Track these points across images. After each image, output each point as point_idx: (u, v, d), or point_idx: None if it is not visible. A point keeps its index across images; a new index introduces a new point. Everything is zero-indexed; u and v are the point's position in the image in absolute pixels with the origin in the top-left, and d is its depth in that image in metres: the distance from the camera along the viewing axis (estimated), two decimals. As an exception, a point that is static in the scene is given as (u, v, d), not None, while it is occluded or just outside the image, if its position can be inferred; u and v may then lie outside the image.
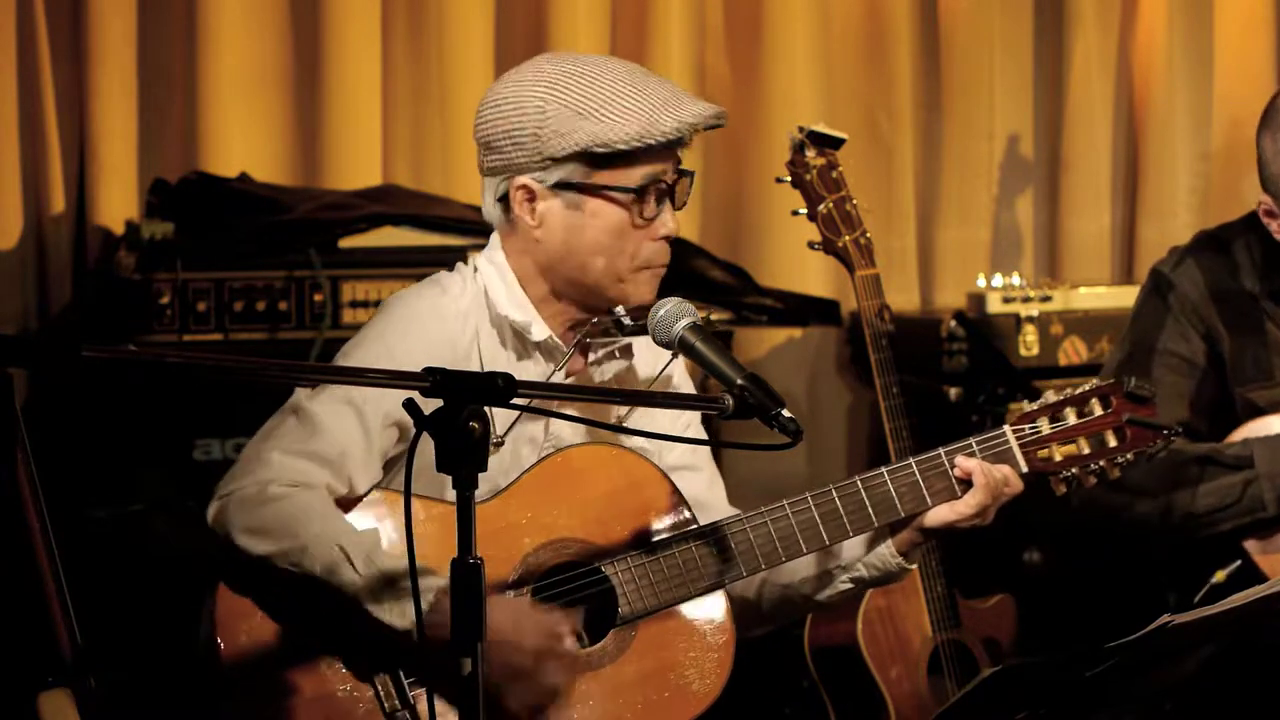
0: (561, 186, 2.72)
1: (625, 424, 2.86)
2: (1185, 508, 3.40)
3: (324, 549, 2.56)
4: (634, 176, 2.71)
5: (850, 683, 3.88)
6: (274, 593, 2.62)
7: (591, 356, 2.85)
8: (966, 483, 2.77)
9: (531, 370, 2.78)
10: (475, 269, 2.82)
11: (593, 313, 2.79)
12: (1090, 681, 2.53)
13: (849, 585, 2.87)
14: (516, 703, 2.58)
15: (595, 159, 2.69)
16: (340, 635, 2.60)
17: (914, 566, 2.86)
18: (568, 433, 2.81)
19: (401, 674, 2.61)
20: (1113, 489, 3.12)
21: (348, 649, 2.61)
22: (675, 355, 2.72)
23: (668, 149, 2.72)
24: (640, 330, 2.73)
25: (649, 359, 2.88)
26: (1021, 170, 5.33)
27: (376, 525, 2.67)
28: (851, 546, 2.85)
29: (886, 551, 2.82)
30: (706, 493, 2.92)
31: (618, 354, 2.87)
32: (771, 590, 2.90)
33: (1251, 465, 3.37)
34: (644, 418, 2.87)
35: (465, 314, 2.78)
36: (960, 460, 2.78)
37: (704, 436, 2.95)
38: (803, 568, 2.87)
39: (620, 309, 2.75)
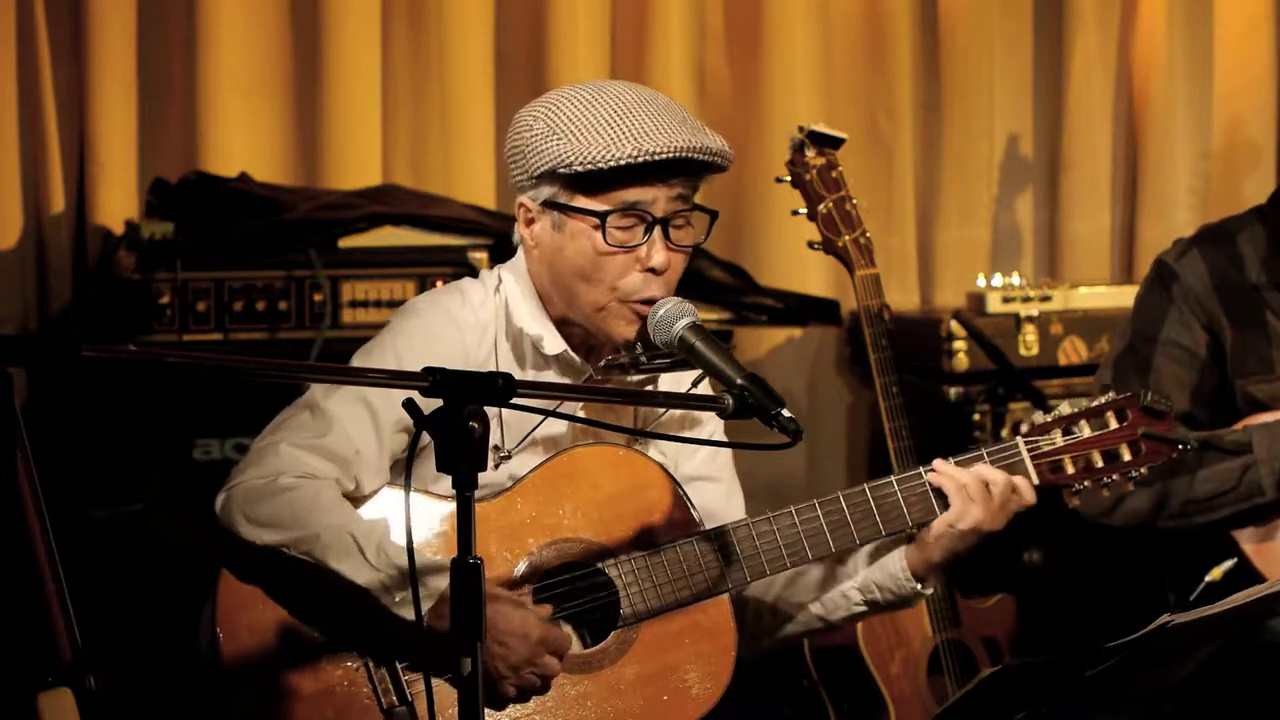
0: (549, 205, 2.70)
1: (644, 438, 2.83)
2: (1183, 493, 3.39)
3: (336, 537, 2.56)
4: (605, 201, 2.66)
5: (850, 683, 3.87)
6: (280, 583, 2.61)
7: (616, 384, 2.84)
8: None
9: None
10: (500, 281, 2.80)
11: (601, 340, 2.75)
12: (1090, 681, 2.54)
13: (863, 608, 2.86)
14: (513, 700, 2.58)
15: (569, 180, 2.66)
16: (346, 626, 2.60)
17: (929, 592, 2.83)
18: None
19: (400, 669, 2.62)
20: None
21: (351, 640, 2.61)
22: (698, 381, 2.67)
23: (644, 176, 2.64)
24: (657, 370, 2.69)
25: (674, 390, 2.84)
26: (1021, 170, 5.33)
27: (386, 518, 2.66)
28: (862, 565, 2.83)
29: (900, 573, 2.80)
30: (724, 504, 2.90)
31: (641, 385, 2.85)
32: (785, 608, 2.89)
33: (1250, 451, 3.36)
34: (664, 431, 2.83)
35: (484, 325, 2.76)
36: (937, 466, 2.77)
37: (724, 451, 2.91)
38: (816, 587, 2.86)
39: (639, 347, 2.69)
